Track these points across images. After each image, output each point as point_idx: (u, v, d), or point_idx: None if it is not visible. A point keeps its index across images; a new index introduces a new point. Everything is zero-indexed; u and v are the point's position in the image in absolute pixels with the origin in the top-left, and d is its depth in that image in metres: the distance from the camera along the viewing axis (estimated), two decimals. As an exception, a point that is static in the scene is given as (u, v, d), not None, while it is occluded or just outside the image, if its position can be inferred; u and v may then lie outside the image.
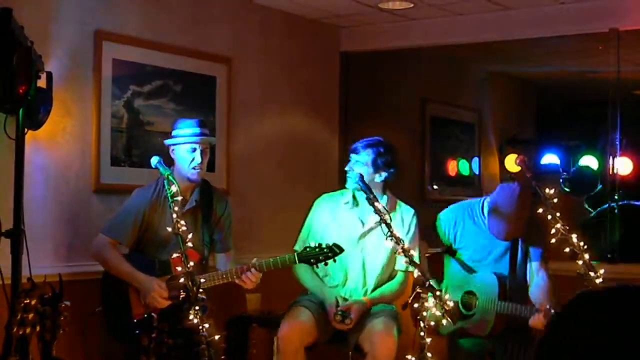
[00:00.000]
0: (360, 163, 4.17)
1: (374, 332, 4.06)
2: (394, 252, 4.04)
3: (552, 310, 3.82)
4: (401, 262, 4.18)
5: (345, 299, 4.18)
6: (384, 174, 4.20)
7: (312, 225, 4.34)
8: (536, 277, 4.10)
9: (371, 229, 4.23)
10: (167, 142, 4.11)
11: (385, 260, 4.25)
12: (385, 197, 4.24)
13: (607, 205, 5.40)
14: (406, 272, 4.24)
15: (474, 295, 4.13)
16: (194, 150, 4.02)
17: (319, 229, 4.29)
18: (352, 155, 4.23)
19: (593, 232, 5.78)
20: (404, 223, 4.26)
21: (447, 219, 4.26)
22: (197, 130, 4.05)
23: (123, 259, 4.03)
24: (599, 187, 7.13)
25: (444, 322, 3.49)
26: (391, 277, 4.33)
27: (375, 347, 4.01)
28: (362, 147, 4.21)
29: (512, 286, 4.09)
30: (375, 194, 3.90)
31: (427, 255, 4.37)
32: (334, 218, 4.28)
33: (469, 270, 4.19)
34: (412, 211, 4.32)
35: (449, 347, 4.23)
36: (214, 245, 4.21)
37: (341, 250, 3.92)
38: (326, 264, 3.94)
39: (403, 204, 4.35)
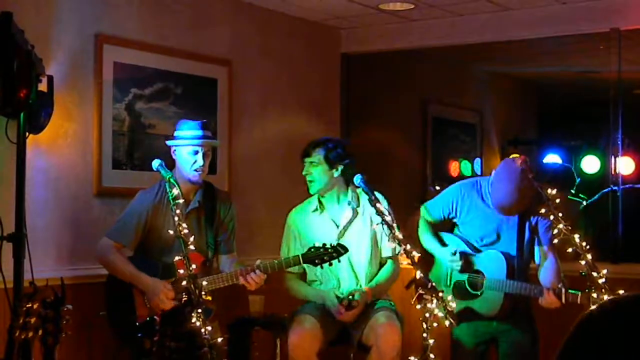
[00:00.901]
0: (315, 164, 4.21)
1: (377, 325, 4.09)
2: (376, 245, 4.16)
3: (564, 289, 3.82)
4: (387, 249, 4.26)
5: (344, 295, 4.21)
6: (340, 168, 4.23)
7: (291, 241, 4.38)
8: (546, 261, 4.09)
9: (345, 228, 4.28)
10: (169, 142, 4.11)
11: (370, 253, 4.29)
12: (349, 192, 4.27)
13: (609, 189, 5.39)
14: (394, 256, 4.30)
15: (481, 274, 4.11)
16: (196, 152, 4.02)
17: (298, 244, 4.31)
18: (305, 159, 4.26)
19: (594, 216, 5.80)
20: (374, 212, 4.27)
21: (455, 191, 4.25)
22: (200, 132, 4.05)
23: (127, 261, 4.03)
24: (578, 180, 7.14)
25: (447, 323, 3.49)
26: (381, 265, 4.37)
27: (381, 338, 4.04)
28: (311, 148, 4.26)
29: (519, 265, 4.09)
30: (338, 190, 4.13)
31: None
32: (309, 228, 4.32)
33: (473, 248, 4.19)
34: (380, 197, 4.33)
35: (452, 347, 4.23)
36: (218, 247, 4.21)
37: (345, 250, 3.95)
38: (331, 264, 3.95)
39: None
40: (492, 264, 4.09)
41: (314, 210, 4.34)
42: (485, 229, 4.15)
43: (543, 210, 3.98)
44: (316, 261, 3.93)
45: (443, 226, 4.36)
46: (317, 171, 4.22)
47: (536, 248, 4.12)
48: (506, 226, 4.12)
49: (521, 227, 4.11)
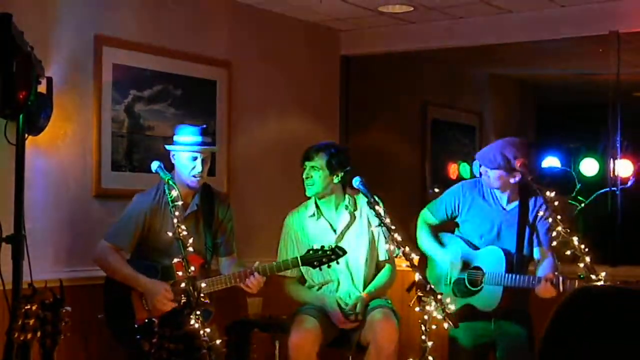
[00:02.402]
0: (316, 168, 4.21)
1: (374, 321, 4.11)
2: (373, 248, 4.18)
3: (561, 277, 3.84)
4: (384, 252, 4.29)
5: (346, 304, 4.21)
6: (340, 175, 4.24)
7: (288, 244, 4.38)
8: (545, 259, 4.11)
9: (343, 233, 4.30)
10: (169, 147, 4.10)
11: (366, 256, 4.30)
12: (346, 197, 4.28)
13: (604, 190, 5.40)
14: (391, 259, 4.31)
15: (481, 270, 4.13)
16: (195, 158, 4.01)
17: (295, 248, 4.31)
18: (306, 163, 4.26)
19: (590, 218, 5.81)
20: (371, 214, 4.27)
21: (456, 190, 4.30)
22: (200, 138, 4.03)
23: (126, 263, 4.02)
24: (578, 186, 7.15)
25: (445, 325, 3.49)
26: (378, 269, 4.37)
27: (378, 334, 4.06)
28: (313, 152, 4.25)
29: (519, 261, 4.11)
30: (335, 195, 4.16)
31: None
32: (306, 232, 4.32)
33: (472, 245, 4.20)
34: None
35: (449, 347, 4.23)
36: (217, 249, 4.21)
37: (344, 252, 3.96)
38: (329, 267, 3.97)
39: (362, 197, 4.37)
40: (491, 260, 4.11)
41: (311, 216, 4.34)
42: (485, 226, 4.17)
43: (542, 212, 4.00)
44: (315, 263, 3.94)
45: (444, 227, 4.38)
46: (317, 175, 4.22)
47: (536, 248, 4.14)
48: (506, 224, 4.14)
49: (521, 226, 4.12)
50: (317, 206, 4.34)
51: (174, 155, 4.07)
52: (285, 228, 4.43)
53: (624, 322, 1.33)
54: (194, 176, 4.01)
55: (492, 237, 4.16)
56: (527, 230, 4.13)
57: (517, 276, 4.00)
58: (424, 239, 4.32)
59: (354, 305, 4.18)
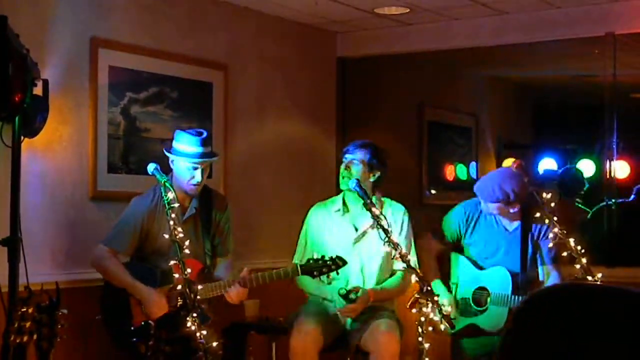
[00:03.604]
0: (356, 162, 4.20)
1: (378, 332, 4.09)
2: (390, 257, 4.08)
3: None
4: (399, 263, 4.22)
5: (345, 289, 4.18)
6: (377, 174, 4.23)
7: (309, 235, 4.37)
8: (550, 277, 4.11)
9: (364, 233, 4.27)
10: (168, 154, 4.04)
11: (381, 262, 4.27)
12: (374, 199, 4.27)
13: (604, 203, 5.40)
14: (405, 270, 4.26)
15: (486, 290, 4.13)
16: (195, 168, 3.96)
17: (316, 239, 4.31)
18: (347, 156, 4.26)
19: (592, 233, 5.80)
20: (396, 222, 4.27)
21: (459, 213, 4.31)
22: (200, 149, 3.96)
23: (124, 269, 4.01)
24: (586, 186, 7.14)
25: (442, 327, 3.50)
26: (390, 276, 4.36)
27: (380, 346, 4.04)
28: (357, 146, 4.26)
29: (524, 281, 4.10)
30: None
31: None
32: (327, 227, 4.32)
33: (478, 267, 4.21)
34: (402, 209, 4.35)
35: (452, 349, 4.24)
36: (215, 251, 4.20)
37: (344, 262, 3.96)
38: (329, 277, 3.97)
39: (393, 202, 4.37)
40: (497, 280, 4.11)
41: (337, 211, 4.32)
42: (490, 249, 4.19)
43: (538, 215, 4.01)
44: (314, 273, 3.94)
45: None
46: (356, 170, 4.20)
47: (540, 267, 4.15)
48: (510, 244, 4.15)
49: (524, 245, 4.12)
50: (344, 202, 4.32)
51: (172, 161, 4.04)
52: (308, 218, 4.42)
53: (577, 319, 1.41)
54: (193, 185, 3.99)
55: (497, 259, 4.17)
56: (531, 248, 4.14)
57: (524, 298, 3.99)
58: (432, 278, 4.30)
59: (355, 288, 4.13)
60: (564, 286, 1.60)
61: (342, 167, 4.25)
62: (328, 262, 3.94)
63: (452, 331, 3.97)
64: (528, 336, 1.42)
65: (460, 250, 4.35)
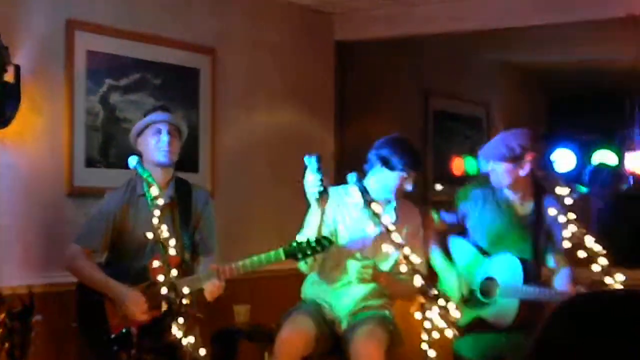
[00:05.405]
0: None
1: (356, 339, 4.10)
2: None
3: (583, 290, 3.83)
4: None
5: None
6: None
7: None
8: (559, 272, 4.11)
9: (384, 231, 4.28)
10: (131, 134, 4.08)
11: (394, 263, 4.28)
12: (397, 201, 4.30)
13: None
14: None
15: (494, 281, 4.11)
16: (159, 131, 3.99)
17: (328, 222, 4.30)
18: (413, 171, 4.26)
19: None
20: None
21: (463, 195, 4.32)
22: (159, 113, 4.05)
23: (97, 267, 4.01)
24: (631, 180, 7.14)
25: (449, 334, 3.49)
26: None
27: (358, 354, 4.05)
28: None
29: (535, 269, 4.09)
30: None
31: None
32: (342, 217, 4.31)
33: (484, 253, 4.20)
34: (415, 209, 4.38)
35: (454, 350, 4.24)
36: (196, 248, 4.19)
37: (331, 242, 3.99)
38: (315, 259, 4.01)
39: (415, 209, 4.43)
40: (506, 269, 4.08)
41: (356, 204, 4.33)
42: (498, 231, 4.17)
43: (555, 211, 3.99)
44: (299, 256, 3.96)
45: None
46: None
47: (550, 254, 4.13)
48: (520, 230, 4.14)
49: (537, 230, 4.11)
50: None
51: (139, 143, 4.05)
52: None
53: (612, 326, 1.44)
54: (162, 150, 3.99)
55: (504, 245, 4.15)
56: (542, 234, 4.13)
57: (539, 289, 3.96)
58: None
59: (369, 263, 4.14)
60: (592, 296, 1.62)
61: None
62: (313, 244, 3.96)
63: (467, 320, 3.96)
64: (560, 350, 1.45)
65: (462, 234, 4.34)
